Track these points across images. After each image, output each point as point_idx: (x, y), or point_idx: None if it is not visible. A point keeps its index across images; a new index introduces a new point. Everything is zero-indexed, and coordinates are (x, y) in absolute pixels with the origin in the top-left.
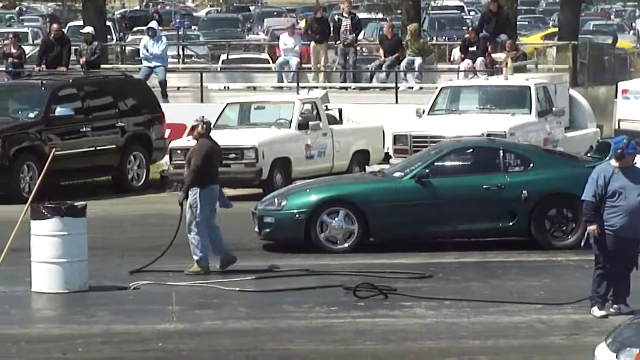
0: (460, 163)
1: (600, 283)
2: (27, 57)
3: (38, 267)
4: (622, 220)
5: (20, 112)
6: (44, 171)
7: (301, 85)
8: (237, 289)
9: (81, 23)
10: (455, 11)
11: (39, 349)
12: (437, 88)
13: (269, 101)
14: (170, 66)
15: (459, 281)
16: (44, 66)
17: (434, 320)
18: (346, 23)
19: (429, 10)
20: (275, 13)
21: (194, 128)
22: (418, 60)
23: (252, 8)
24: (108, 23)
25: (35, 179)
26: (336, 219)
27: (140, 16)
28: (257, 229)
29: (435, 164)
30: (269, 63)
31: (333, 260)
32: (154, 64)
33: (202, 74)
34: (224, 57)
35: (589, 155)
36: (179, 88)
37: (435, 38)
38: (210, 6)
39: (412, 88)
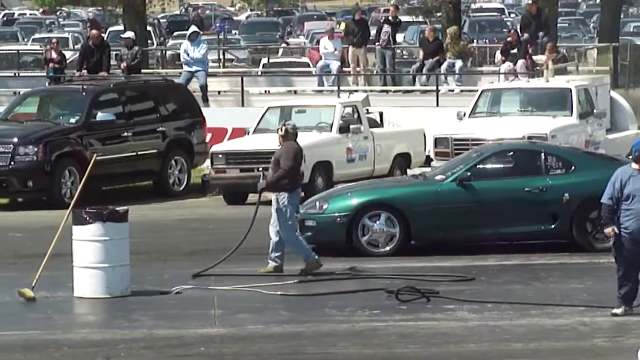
0: (502, 165)
1: (621, 285)
2: (68, 62)
3: (80, 272)
4: (635, 223)
5: (61, 117)
6: (85, 176)
7: (342, 88)
8: (279, 292)
9: (121, 28)
10: (495, 13)
11: (81, 354)
12: (477, 90)
13: (310, 104)
14: (210, 70)
15: (500, 284)
16: (84, 71)
17: (476, 323)
18: (387, 26)
19: (469, 13)
20: (316, 16)
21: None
22: (458, 63)
23: (295, 11)
24: (148, 27)
25: (77, 184)
26: (377, 222)
27: (179, 20)
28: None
29: (477, 166)
30: (309, 66)
31: (375, 263)
32: (194, 68)
33: (243, 77)
34: (264, 60)
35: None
36: (219, 92)
37: (475, 40)
38: (250, 10)
39: (453, 90)
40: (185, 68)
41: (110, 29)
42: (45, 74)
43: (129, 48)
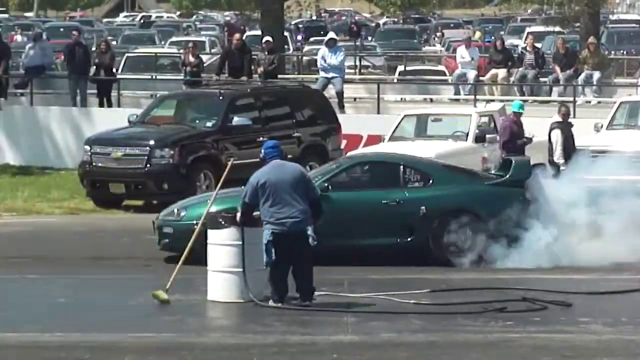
0: (361, 177)
1: None
2: (205, 65)
3: (214, 276)
4: None
5: (197, 121)
6: (221, 180)
7: (478, 97)
8: (412, 301)
9: (258, 32)
10: (634, 25)
11: (214, 358)
12: (615, 102)
13: (446, 113)
14: (346, 77)
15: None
16: (223, 75)
17: (610, 337)
18: (530, 57)
19: (607, 24)
20: (452, 24)
21: None
22: (596, 74)
23: (432, 19)
24: (285, 33)
25: (212, 188)
26: None
27: (315, 26)
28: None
29: (335, 177)
30: (445, 75)
31: (509, 275)
32: (331, 74)
33: (379, 84)
34: (400, 68)
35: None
36: (355, 99)
37: (613, 52)
38: (386, 17)
39: (590, 102)
40: (322, 74)
41: (248, 33)
42: (182, 77)
43: (269, 53)
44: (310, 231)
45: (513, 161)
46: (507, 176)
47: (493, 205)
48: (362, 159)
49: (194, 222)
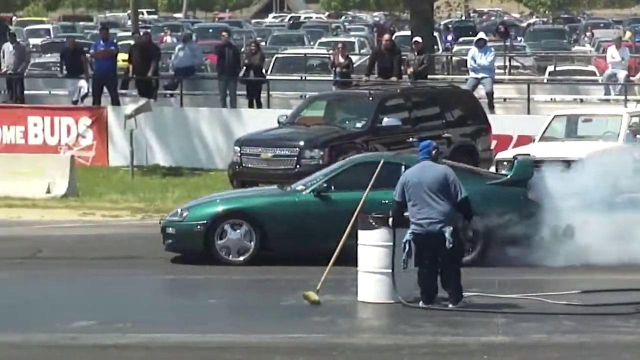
0: (362, 177)
1: None
2: (354, 66)
3: (364, 277)
4: None
5: (347, 122)
6: (371, 181)
7: (629, 97)
8: (563, 302)
9: (407, 33)
10: None
11: (364, 358)
12: None
13: (596, 114)
14: (496, 77)
15: None
16: (373, 76)
17: None
18: None
19: None
20: (602, 24)
21: None
22: None
23: (581, 19)
24: (434, 33)
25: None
26: (233, 232)
27: (464, 26)
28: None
29: (337, 178)
30: (595, 75)
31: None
32: (480, 74)
33: (529, 85)
34: (550, 68)
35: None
36: (505, 99)
37: None
38: (536, 17)
39: None
40: (472, 74)
41: (397, 33)
42: (331, 78)
43: (418, 53)
44: (448, 233)
45: (516, 160)
46: (509, 176)
47: (493, 204)
48: (363, 159)
49: (197, 222)
